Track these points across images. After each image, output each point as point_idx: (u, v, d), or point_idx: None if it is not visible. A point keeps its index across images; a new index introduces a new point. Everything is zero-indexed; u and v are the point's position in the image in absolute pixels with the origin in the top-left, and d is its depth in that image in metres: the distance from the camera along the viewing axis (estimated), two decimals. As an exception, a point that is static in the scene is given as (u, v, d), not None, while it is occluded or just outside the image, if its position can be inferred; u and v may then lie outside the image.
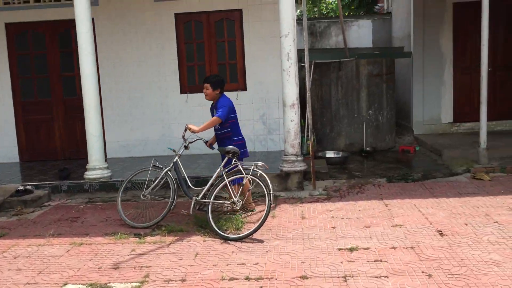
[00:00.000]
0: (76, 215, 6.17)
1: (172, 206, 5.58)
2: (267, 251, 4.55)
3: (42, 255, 4.76)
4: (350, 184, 7.12)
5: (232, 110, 5.60)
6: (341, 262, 4.18)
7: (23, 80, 9.14)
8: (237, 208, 5.25)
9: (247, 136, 8.84)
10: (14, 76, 9.09)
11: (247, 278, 3.96)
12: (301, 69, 8.41)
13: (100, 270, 4.32)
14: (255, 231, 4.95)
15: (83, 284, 4.03)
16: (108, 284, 4.00)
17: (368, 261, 4.17)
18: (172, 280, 4.00)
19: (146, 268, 4.30)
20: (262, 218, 4.99)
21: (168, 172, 5.63)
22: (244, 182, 5.28)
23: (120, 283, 4.02)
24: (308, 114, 7.27)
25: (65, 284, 4.05)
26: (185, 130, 5.62)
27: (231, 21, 8.82)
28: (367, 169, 8.23)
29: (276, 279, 3.92)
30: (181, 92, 8.93)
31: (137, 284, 3.97)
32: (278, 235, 5.02)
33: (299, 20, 11.37)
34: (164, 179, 5.62)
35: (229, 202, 5.24)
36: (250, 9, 8.71)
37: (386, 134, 9.94)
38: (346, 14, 17.35)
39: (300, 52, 7.68)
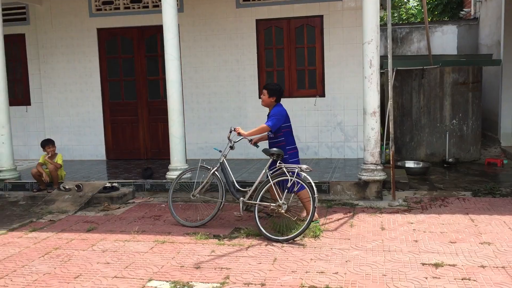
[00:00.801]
0: (158, 214, 6.42)
1: (220, 206, 5.75)
2: (346, 261, 4.48)
3: (128, 251, 5.00)
4: (432, 196, 6.85)
5: (285, 119, 5.62)
6: (426, 278, 4.02)
7: (112, 83, 9.68)
8: (282, 211, 5.25)
9: (323, 143, 8.90)
10: (103, 79, 9.64)
11: (327, 287, 3.92)
12: (380, 75, 8.22)
13: (182, 268, 4.46)
14: (298, 234, 5.04)
15: (167, 281, 4.17)
16: (190, 283, 4.11)
17: (455, 279, 3.98)
18: (251, 284, 4.05)
19: (226, 269, 4.38)
20: (307, 221, 5.05)
21: (216, 172, 5.80)
22: (289, 184, 5.24)
23: (201, 282, 4.12)
24: (390, 123, 7.08)
25: (150, 280, 4.22)
26: (230, 132, 5.82)
27: (312, 27, 8.81)
28: (449, 181, 7.88)
29: (357, 290, 3.85)
30: (259, 97, 9.04)
31: (218, 285, 4.05)
32: (357, 245, 4.93)
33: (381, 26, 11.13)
34: (211, 180, 5.82)
35: (274, 204, 5.30)
36: (331, 15, 8.65)
37: (470, 145, 9.47)
38: (430, 19, 16.75)
39: (381, 59, 7.51)
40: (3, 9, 8.50)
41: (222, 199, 5.73)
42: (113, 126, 9.74)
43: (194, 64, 9.21)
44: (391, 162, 6.88)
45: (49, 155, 7.59)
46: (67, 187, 7.36)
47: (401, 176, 7.62)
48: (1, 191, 7.80)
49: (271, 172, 5.41)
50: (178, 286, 4.06)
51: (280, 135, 5.62)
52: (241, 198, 5.54)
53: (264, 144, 5.83)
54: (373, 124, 6.60)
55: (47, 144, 7.61)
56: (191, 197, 5.93)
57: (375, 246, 4.86)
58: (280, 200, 5.24)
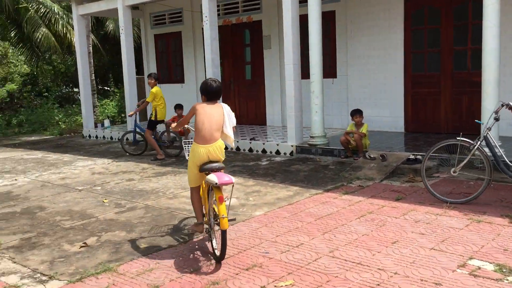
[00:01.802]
0: (467, 191, 6.13)
1: (487, 184, 5.40)
2: None
3: (441, 224, 4.94)
4: None
5: None
6: None
7: (415, 55, 9.57)
8: None
9: None
10: (407, 51, 9.62)
11: None
12: None
13: (506, 252, 4.16)
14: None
15: (490, 263, 3.96)
16: (518, 270, 3.81)
17: None
18: None
19: (562, 262, 3.88)
20: None
21: (480, 147, 5.36)
22: None
23: (533, 271, 3.76)
24: None
25: (470, 258, 4.08)
26: (503, 106, 5.34)
27: None
28: None
29: None
30: None
31: (555, 278, 3.63)
32: None
33: None
34: (475, 156, 5.40)
35: None
36: None
37: None
38: None
39: None
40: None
41: (489, 177, 5.37)
42: (413, 98, 9.69)
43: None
44: None
45: (357, 124, 8.09)
46: (372, 155, 7.72)
47: None
48: (313, 155, 8.74)
49: None
50: (504, 270, 3.81)
51: None
52: None
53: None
54: None
55: (357, 113, 8.11)
56: (452, 173, 5.70)
57: None
58: None
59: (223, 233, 4.09)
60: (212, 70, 10.10)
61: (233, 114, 4.68)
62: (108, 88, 22.21)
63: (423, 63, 9.49)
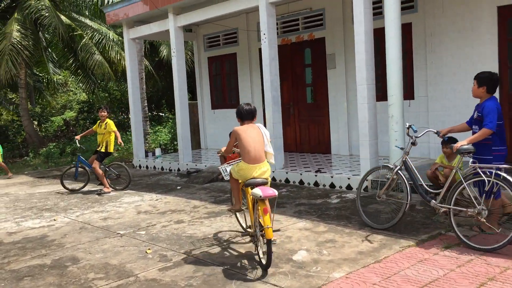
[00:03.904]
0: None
1: (405, 208, 5.51)
2: None
3: None
4: None
5: (499, 116, 5.03)
6: None
7: (513, 70, 8.04)
8: (482, 219, 4.82)
9: None
10: (503, 65, 8.09)
11: None
12: None
13: None
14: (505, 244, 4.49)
15: None
16: None
17: None
18: None
19: None
20: None
21: (399, 172, 5.62)
22: (486, 188, 4.77)
23: None
24: None
25: None
26: (408, 128, 5.73)
27: None
28: None
29: None
30: None
31: None
32: None
33: None
34: (396, 180, 5.68)
35: (472, 210, 4.84)
36: None
37: None
38: None
39: None
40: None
41: (407, 200, 5.50)
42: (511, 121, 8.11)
43: None
44: None
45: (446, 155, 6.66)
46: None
47: None
48: (393, 191, 7.34)
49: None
50: None
51: None
52: (433, 201, 5.31)
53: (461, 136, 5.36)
54: None
55: (449, 142, 6.68)
56: (377, 198, 5.86)
57: None
58: (479, 206, 4.79)
59: (268, 242, 4.42)
60: (271, 93, 8.99)
61: (267, 131, 5.15)
62: (162, 114, 21.72)
63: (525, 80, 7.94)
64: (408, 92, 9.29)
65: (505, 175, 4.70)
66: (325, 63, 10.72)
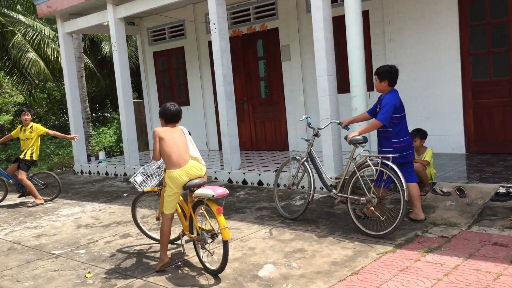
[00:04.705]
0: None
1: (310, 198, 5.68)
2: None
3: None
4: None
5: (397, 109, 5.10)
6: None
7: (475, 57, 7.73)
8: (371, 207, 5.04)
9: None
10: (464, 53, 7.77)
11: None
12: None
13: None
14: (392, 231, 4.81)
15: None
16: None
17: None
18: None
19: None
20: (399, 217, 4.77)
21: (305, 163, 5.81)
22: (374, 177, 5.05)
23: None
24: None
25: None
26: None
27: None
28: None
29: None
30: None
31: None
32: None
33: None
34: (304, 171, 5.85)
35: (364, 199, 5.07)
36: None
37: None
38: None
39: None
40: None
41: (311, 191, 5.66)
42: (476, 111, 7.80)
43: None
44: None
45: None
46: (444, 190, 5.82)
47: None
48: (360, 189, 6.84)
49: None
50: None
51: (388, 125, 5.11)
52: (334, 190, 5.52)
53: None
54: None
55: (417, 134, 6.23)
56: (287, 189, 6.17)
57: None
58: (368, 195, 5.01)
59: (225, 244, 4.20)
60: (224, 88, 8.28)
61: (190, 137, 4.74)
62: (107, 114, 20.50)
63: (487, 67, 7.64)
64: (368, 84, 8.81)
65: (391, 164, 4.86)
66: (279, 55, 10.12)
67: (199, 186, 4.46)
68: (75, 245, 5.70)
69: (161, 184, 5.05)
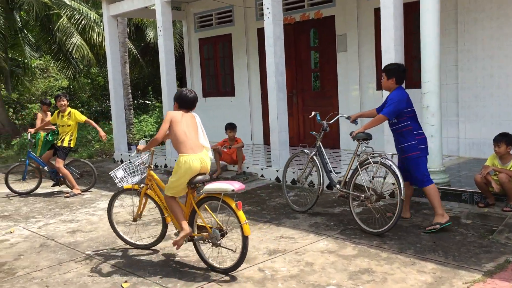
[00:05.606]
0: None
1: (319, 192, 5.73)
2: None
3: None
4: None
5: (405, 103, 4.98)
6: None
7: None
8: (369, 204, 5.05)
9: None
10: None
11: None
12: None
13: None
14: (389, 228, 4.80)
15: None
16: None
17: None
18: None
19: None
20: (396, 214, 4.77)
21: (314, 157, 5.82)
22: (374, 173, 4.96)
23: None
24: None
25: None
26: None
27: None
28: None
29: None
30: None
31: None
32: None
33: None
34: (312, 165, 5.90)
35: (363, 196, 5.06)
36: None
37: None
38: None
39: None
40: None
41: (320, 185, 5.71)
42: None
43: None
44: None
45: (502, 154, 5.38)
46: (533, 206, 4.98)
47: None
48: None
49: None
50: None
51: (403, 119, 5.03)
52: (337, 185, 5.52)
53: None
54: None
55: (502, 139, 5.39)
56: (297, 183, 6.29)
57: None
58: (368, 191, 5.00)
59: (245, 239, 4.05)
60: (276, 78, 7.63)
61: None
62: (149, 102, 20.23)
63: None
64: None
65: (391, 161, 4.88)
66: (334, 45, 9.36)
67: (202, 183, 4.30)
68: (111, 245, 5.19)
69: (142, 181, 4.86)
